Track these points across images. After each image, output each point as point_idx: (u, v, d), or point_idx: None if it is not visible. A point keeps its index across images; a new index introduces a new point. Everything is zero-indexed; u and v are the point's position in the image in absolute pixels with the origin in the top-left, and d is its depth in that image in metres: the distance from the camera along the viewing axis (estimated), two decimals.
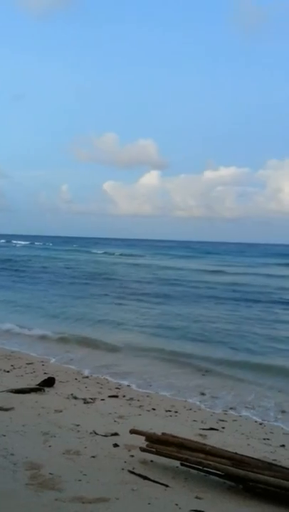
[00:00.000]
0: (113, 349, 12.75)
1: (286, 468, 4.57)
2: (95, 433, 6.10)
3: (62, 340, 13.57)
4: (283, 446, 6.44)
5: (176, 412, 7.79)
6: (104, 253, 72.56)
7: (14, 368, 9.98)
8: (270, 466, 4.52)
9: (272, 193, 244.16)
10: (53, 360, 11.22)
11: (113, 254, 70.80)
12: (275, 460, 5.52)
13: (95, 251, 77.26)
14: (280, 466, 4.65)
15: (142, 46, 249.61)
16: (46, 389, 8.39)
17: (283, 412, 8.51)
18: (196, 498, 4.30)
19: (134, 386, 9.43)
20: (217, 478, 4.64)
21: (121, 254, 69.14)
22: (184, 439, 5.01)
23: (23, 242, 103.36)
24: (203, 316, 18.47)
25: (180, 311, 19.50)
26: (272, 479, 4.27)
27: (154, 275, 36.48)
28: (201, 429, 6.85)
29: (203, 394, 9.31)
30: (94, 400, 8.03)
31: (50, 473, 4.64)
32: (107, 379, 9.82)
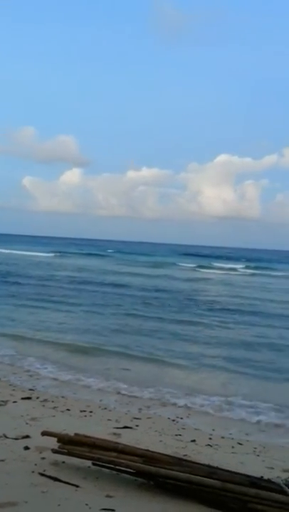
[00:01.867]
0: (28, 350, 12.46)
1: (195, 463, 4.70)
2: (5, 436, 5.91)
3: None
4: (194, 441, 6.63)
5: (91, 412, 7.76)
6: None
7: None
8: (180, 462, 4.62)
9: (193, 195, 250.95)
10: None
11: None
12: (185, 455, 5.68)
13: None
14: (190, 461, 4.77)
15: (65, 43, 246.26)
16: None
17: (196, 407, 8.78)
18: (107, 496, 4.30)
19: (48, 387, 9.27)
20: (129, 476, 4.67)
21: None
22: (97, 439, 4.99)
23: None
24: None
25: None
26: (182, 474, 4.37)
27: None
28: (115, 428, 6.87)
29: (119, 393, 9.36)
30: (5, 402, 7.78)
31: None
32: (20, 381, 9.56)
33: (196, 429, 7.43)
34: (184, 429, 7.34)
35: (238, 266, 59.46)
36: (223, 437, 7.11)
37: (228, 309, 21.70)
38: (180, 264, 57.68)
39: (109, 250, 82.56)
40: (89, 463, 4.85)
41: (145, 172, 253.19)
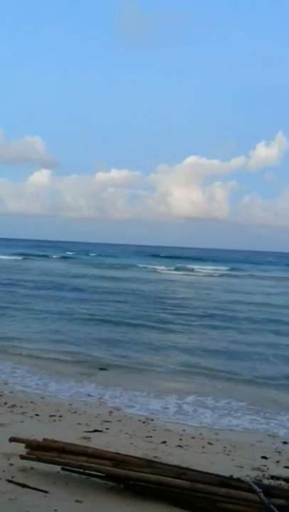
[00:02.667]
0: None
1: (165, 464, 4.70)
2: None
3: None
4: (164, 442, 6.64)
5: (60, 416, 7.67)
6: None
7: None
8: (150, 464, 4.61)
9: (162, 196, 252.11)
10: None
11: None
12: (156, 457, 5.67)
13: None
14: (160, 463, 4.76)
15: (30, 43, 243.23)
16: None
17: (166, 408, 8.81)
18: (77, 501, 4.25)
19: (17, 392, 9.12)
20: (99, 479, 4.64)
21: None
22: (66, 444, 4.93)
23: None
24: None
25: None
26: (151, 476, 4.36)
27: None
28: (85, 431, 6.81)
29: (89, 396, 9.30)
30: None
31: None
32: None
33: (166, 430, 7.44)
34: (154, 430, 7.34)
35: (205, 267, 60.03)
36: (193, 438, 7.14)
37: (188, 313, 21.80)
38: (140, 265, 57.12)
39: (69, 252, 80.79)
40: (58, 468, 4.79)
41: (114, 173, 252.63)
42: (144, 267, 55.21)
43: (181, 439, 6.92)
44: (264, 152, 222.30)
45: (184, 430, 7.50)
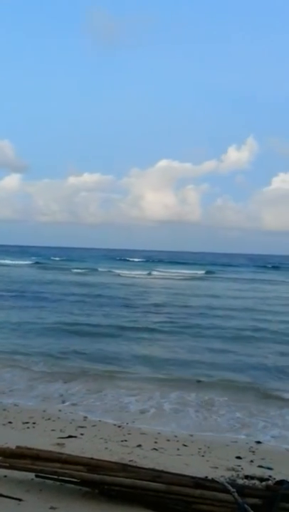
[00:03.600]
0: None
1: (140, 468, 4.69)
2: None
3: None
4: (140, 446, 6.63)
5: (34, 423, 7.58)
6: None
7: None
8: (125, 468, 4.59)
9: (135, 200, 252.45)
10: None
11: None
12: (131, 461, 5.66)
13: None
14: (135, 467, 4.75)
15: (2, 47, 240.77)
16: None
17: (142, 412, 8.80)
18: (51, 508, 4.20)
19: None
20: (73, 486, 4.59)
21: None
22: (40, 450, 4.87)
23: None
24: None
25: None
26: (126, 480, 4.34)
27: None
28: (59, 438, 6.74)
29: (64, 402, 9.21)
30: None
31: None
32: None
33: (141, 433, 7.43)
34: (129, 434, 7.32)
35: (175, 270, 60.31)
36: (168, 440, 7.15)
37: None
38: (102, 269, 56.50)
39: (33, 257, 78.41)
40: (32, 475, 4.72)
41: (87, 177, 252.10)
42: (108, 271, 54.55)
43: (156, 442, 6.93)
44: (235, 156, 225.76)
45: (159, 433, 7.50)
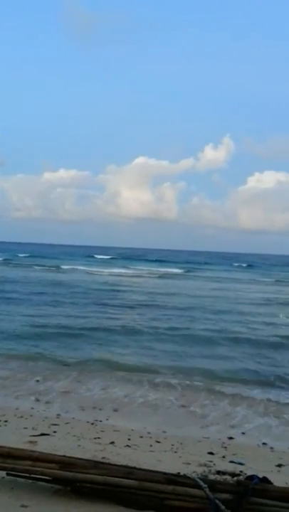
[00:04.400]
0: None
1: (113, 465, 4.68)
2: None
3: None
4: (113, 443, 6.62)
5: (6, 421, 7.49)
6: None
7: None
8: (97, 465, 4.58)
9: (111, 196, 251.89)
10: None
11: None
12: (104, 458, 5.64)
13: None
14: (107, 464, 4.74)
15: None
16: None
17: (115, 410, 8.79)
18: (22, 506, 4.16)
19: None
20: (45, 483, 4.56)
21: None
22: (11, 448, 4.81)
23: None
24: None
25: None
26: (98, 477, 4.33)
27: None
28: (31, 435, 6.68)
29: (37, 400, 9.14)
30: None
31: None
32: None
33: (115, 430, 7.42)
34: (103, 431, 7.31)
35: (144, 267, 60.34)
36: (141, 437, 7.17)
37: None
38: (65, 267, 55.30)
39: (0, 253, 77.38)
40: (3, 473, 4.67)
41: (63, 173, 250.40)
42: (72, 268, 53.47)
43: (129, 439, 6.94)
44: (212, 155, 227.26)
45: (132, 430, 7.51)
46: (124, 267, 60.06)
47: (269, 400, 9.88)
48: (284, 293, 34.54)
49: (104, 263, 67.94)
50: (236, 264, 79.21)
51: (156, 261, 78.89)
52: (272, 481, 4.50)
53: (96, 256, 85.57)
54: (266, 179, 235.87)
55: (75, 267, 55.70)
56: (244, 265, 78.85)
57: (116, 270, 53.97)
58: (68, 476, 4.38)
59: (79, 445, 6.37)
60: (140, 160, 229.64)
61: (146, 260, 79.96)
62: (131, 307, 23.86)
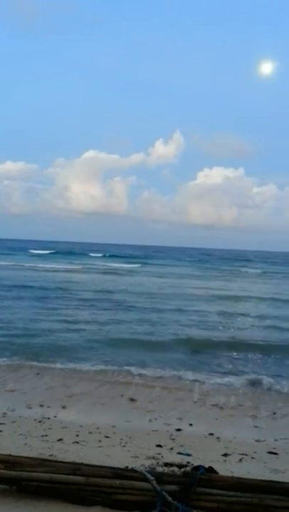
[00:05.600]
0: None
1: (60, 462, 4.63)
2: None
3: None
4: (61, 440, 6.55)
5: None
6: None
7: None
8: (44, 462, 4.51)
9: (60, 190, 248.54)
10: None
11: None
12: (51, 455, 5.57)
13: None
14: (54, 461, 4.69)
15: None
16: None
17: (64, 407, 8.71)
18: None
19: None
20: None
21: None
22: None
23: None
24: None
25: None
26: (44, 475, 4.27)
27: None
28: None
29: None
30: None
31: None
32: None
33: (63, 427, 7.35)
34: (50, 429, 7.22)
35: (91, 262, 59.82)
36: (90, 433, 7.13)
37: None
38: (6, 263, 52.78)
39: None
40: None
41: (10, 165, 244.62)
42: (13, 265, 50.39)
43: (78, 435, 6.89)
44: (162, 150, 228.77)
45: (81, 426, 7.46)
46: (60, 262, 58.04)
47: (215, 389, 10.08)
48: (227, 288, 34.34)
49: (38, 258, 64.93)
50: (188, 259, 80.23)
51: (103, 256, 78.43)
52: (218, 470, 4.59)
53: (32, 251, 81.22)
54: (215, 175, 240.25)
55: (16, 263, 52.15)
56: (193, 260, 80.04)
57: (48, 266, 50.46)
58: (14, 475, 4.30)
59: (26, 443, 6.26)
60: (90, 153, 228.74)
61: (90, 256, 78.43)
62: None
